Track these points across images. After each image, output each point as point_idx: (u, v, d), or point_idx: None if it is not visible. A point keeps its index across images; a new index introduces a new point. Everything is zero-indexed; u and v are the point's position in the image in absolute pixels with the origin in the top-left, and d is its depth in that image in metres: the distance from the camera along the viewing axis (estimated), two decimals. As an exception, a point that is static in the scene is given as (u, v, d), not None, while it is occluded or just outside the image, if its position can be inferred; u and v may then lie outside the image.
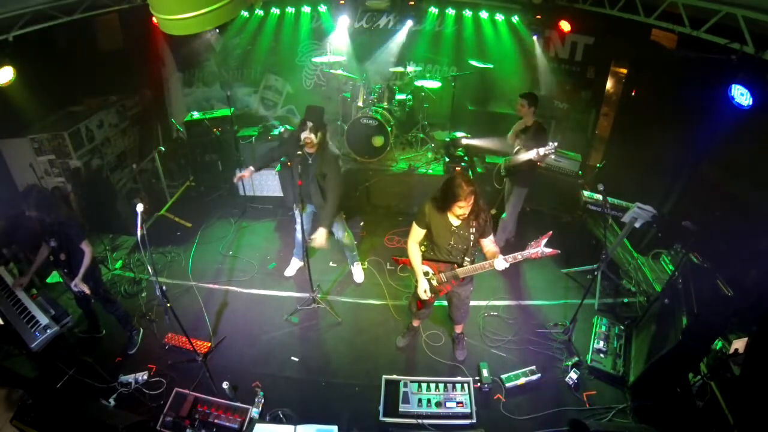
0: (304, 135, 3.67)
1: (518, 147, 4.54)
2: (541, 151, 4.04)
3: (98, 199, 5.47)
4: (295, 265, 4.78)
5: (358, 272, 4.72)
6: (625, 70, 6.10)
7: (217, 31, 6.47)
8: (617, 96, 6.39)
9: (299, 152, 3.66)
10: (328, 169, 3.80)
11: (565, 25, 5.90)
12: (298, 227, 4.11)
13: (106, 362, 3.70)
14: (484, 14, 6.41)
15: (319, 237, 3.75)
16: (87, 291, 3.46)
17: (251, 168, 4.07)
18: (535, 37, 6.25)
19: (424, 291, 3.18)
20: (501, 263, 2.88)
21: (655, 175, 5.09)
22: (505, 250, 4.62)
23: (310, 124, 3.66)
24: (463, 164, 5.76)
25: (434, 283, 3.26)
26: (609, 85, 6.44)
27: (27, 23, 4.05)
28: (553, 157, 4.61)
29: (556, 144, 4.08)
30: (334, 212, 3.88)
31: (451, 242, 3.09)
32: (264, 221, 5.71)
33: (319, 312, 4.26)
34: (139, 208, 2.83)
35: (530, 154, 4.14)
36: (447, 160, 5.89)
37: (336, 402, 3.49)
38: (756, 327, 3.07)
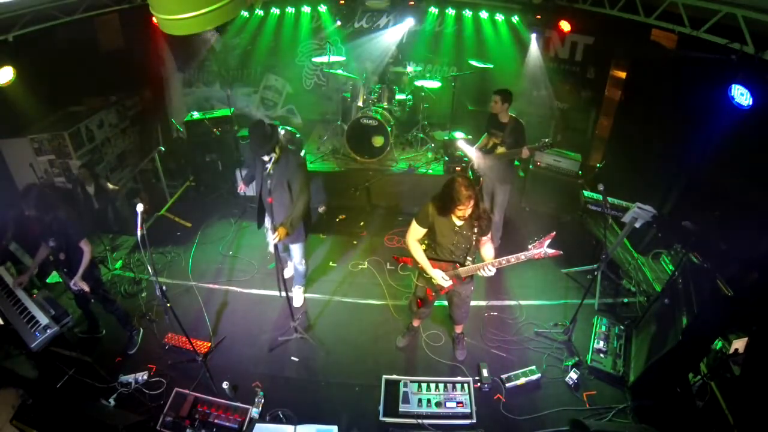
0: (266, 158, 3.43)
1: (493, 144, 4.58)
2: (528, 148, 4.19)
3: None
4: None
5: (298, 295, 4.42)
6: (624, 74, 6.10)
7: (218, 32, 6.47)
8: (617, 97, 6.39)
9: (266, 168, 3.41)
10: (293, 177, 3.56)
11: (565, 25, 5.90)
12: (271, 248, 3.75)
13: (106, 362, 3.69)
14: (484, 14, 6.41)
15: (277, 236, 3.48)
16: (86, 289, 3.46)
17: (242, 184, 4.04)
18: (533, 35, 6.25)
19: (442, 278, 3.11)
20: (487, 271, 2.95)
21: (655, 175, 5.09)
22: (501, 249, 4.65)
23: (265, 154, 3.40)
24: (463, 164, 5.76)
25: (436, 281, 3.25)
26: (609, 87, 6.43)
27: (27, 23, 4.04)
28: (546, 153, 4.69)
29: (548, 140, 4.21)
30: (300, 216, 3.62)
31: (455, 242, 3.10)
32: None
33: (317, 312, 4.27)
34: (139, 208, 2.83)
35: (518, 151, 4.27)
36: (447, 159, 5.89)
37: (336, 402, 3.49)
38: (756, 327, 3.07)
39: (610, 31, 5.57)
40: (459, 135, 6.11)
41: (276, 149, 3.44)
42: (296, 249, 4.04)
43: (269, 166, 3.41)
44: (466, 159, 5.84)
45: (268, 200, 3.36)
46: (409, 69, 6.24)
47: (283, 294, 3.74)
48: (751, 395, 2.86)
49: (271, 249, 3.60)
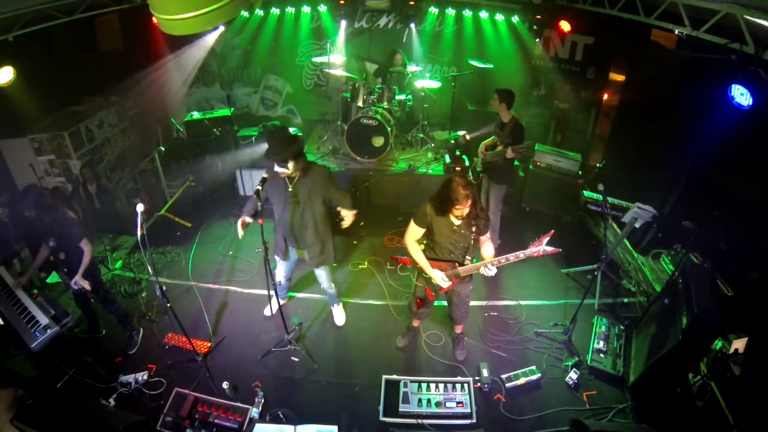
0: (278, 170, 3.17)
1: (495, 142, 4.65)
2: (512, 150, 4.24)
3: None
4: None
5: (339, 314, 4.22)
6: (624, 74, 6.10)
7: (222, 26, 6.46)
8: (617, 97, 6.39)
9: (285, 185, 3.20)
10: (327, 188, 3.34)
11: (565, 25, 5.90)
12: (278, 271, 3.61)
13: (106, 362, 3.69)
14: (484, 14, 6.42)
15: (349, 218, 3.43)
16: (88, 287, 3.46)
17: (244, 218, 3.44)
18: (537, 40, 6.28)
19: (441, 278, 3.12)
20: (488, 271, 2.95)
21: (655, 175, 5.09)
22: (500, 248, 4.65)
23: (278, 161, 3.10)
24: (464, 158, 5.76)
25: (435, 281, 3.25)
26: (608, 87, 6.44)
27: (27, 23, 4.05)
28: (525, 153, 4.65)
29: (528, 143, 4.33)
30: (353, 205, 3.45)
31: (453, 241, 3.10)
32: (264, 221, 5.69)
33: (316, 312, 4.27)
34: (139, 208, 2.83)
35: (505, 152, 4.31)
36: (448, 161, 5.89)
37: (336, 402, 3.49)
38: (756, 327, 3.07)
39: (610, 31, 5.57)
40: (461, 133, 6.12)
41: (289, 162, 3.11)
42: (323, 273, 3.79)
43: (289, 172, 3.15)
44: (465, 158, 5.85)
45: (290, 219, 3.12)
46: (409, 69, 6.25)
47: (275, 310, 3.56)
48: (751, 395, 2.86)
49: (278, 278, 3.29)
